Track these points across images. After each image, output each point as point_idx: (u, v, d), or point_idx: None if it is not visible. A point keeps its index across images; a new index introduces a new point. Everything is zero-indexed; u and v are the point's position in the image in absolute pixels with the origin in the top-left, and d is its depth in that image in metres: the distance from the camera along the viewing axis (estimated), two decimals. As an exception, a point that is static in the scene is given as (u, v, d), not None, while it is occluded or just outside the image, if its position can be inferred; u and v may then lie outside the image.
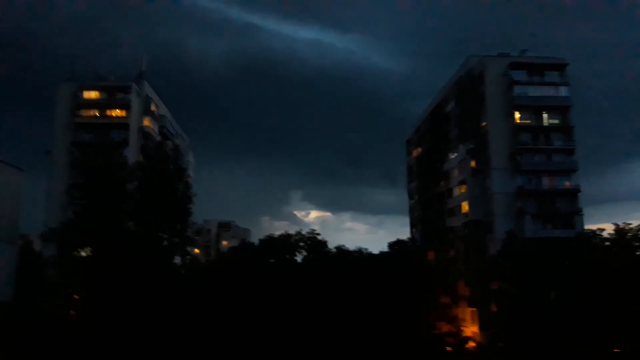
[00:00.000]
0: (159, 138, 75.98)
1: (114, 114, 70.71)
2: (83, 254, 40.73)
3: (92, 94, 71.00)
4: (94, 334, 35.49)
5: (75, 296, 42.55)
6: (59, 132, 68.56)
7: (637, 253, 51.73)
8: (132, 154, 65.85)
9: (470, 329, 59.30)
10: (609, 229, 53.23)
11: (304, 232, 52.69)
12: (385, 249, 56.51)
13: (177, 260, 46.35)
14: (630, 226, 52.21)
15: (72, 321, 39.70)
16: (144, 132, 71.67)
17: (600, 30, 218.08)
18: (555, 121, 64.07)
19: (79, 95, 70.02)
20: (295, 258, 52.56)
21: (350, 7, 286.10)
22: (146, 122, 72.81)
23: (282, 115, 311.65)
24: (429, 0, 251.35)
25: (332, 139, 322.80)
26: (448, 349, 48.45)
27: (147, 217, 41.25)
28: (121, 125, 69.53)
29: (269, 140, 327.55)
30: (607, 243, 52.55)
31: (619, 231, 52.29)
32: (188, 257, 48.37)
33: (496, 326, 48.46)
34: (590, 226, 58.87)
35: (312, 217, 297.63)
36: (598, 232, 54.55)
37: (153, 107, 75.38)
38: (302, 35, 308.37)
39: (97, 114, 70.41)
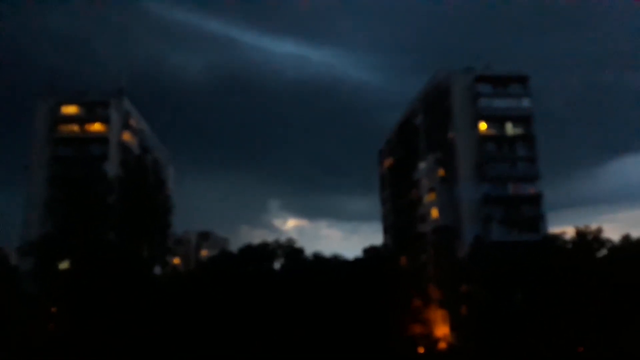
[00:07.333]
0: (138, 151, 77.04)
1: (93, 129, 71.50)
2: (62, 266, 41.60)
3: (71, 109, 71.53)
4: (74, 345, 36.51)
5: (53, 309, 43.27)
6: (38, 146, 68.99)
7: (597, 255, 55.05)
8: (111, 168, 66.79)
9: (442, 330, 61.47)
10: (571, 232, 56.43)
11: (281, 241, 54.57)
12: (360, 254, 58.63)
13: (158, 270, 47.59)
14: (590, 229, 55.57)
15: (51, 333, 40.51)
16: (123, 146, 72.60)
17: (564, 43, 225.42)
18: (519, 131, 66.93)
19: (58, 110, 70.71)
20: (274, 267, 54.36)
21: (324, 22, 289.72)
22: (126, 136, 73.80)
23: (261, 127, 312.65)
24: (402, 15, 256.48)
25: (309, 149, 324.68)
26: (420, 350, 50.53)
27: (127, 228, 42.52)
28: (101, 139, 70.24)
29: (248, 151, 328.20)
30: (570, 246, 55.66)
31: (580, 234, 55.51)
32: (167, 267, 49.65)
33: (465, 327, 50.75)
34: (554, 229, 61.80)
35: (290, 225, 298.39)
36: (561, 236, 57.64)
37: (132, 122, 76.44)
38: (279, 49, 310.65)
39: (77, 128, 71.12)
